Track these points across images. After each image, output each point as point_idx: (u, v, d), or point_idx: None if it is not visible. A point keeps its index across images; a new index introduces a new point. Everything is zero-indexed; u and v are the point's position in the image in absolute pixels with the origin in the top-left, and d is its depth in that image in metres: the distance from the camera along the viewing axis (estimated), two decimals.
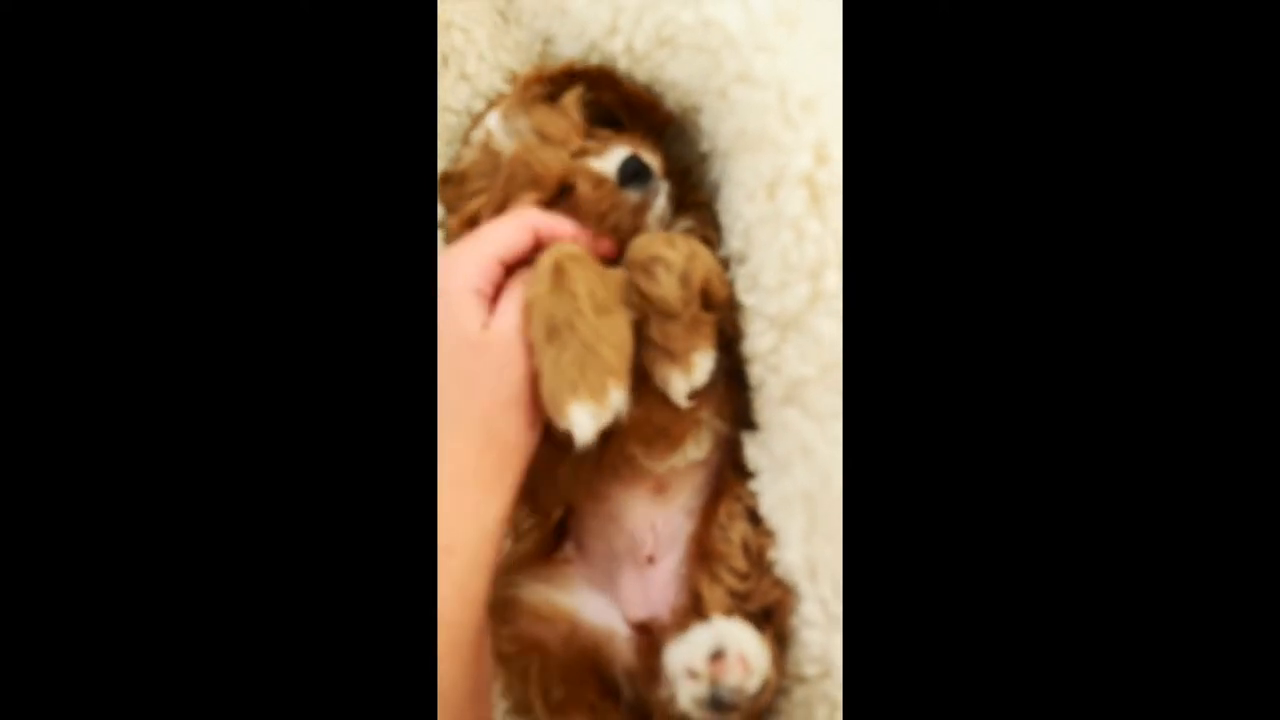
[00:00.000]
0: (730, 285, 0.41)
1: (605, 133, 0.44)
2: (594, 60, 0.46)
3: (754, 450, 0.43)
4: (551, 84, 0.44)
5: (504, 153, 0.43)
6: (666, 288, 0.38)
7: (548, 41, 0.48)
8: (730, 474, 0.44)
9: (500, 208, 0.42)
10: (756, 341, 0.41)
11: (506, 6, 0.48)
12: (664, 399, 0.40)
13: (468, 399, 0.37)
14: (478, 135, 0.45)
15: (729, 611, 0.41)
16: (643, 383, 0.41)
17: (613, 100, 0.45)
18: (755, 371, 0.42)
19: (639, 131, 0.45)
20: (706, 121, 0.44)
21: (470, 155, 0.45)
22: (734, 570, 0.41)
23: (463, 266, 0.39)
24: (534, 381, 0.38)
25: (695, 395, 0.40)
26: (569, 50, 0.47)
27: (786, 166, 0.38)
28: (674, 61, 0.43)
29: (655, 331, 0.39)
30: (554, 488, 0.45)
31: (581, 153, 0.42)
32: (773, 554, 0.41)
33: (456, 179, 0.45)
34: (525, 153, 0.42)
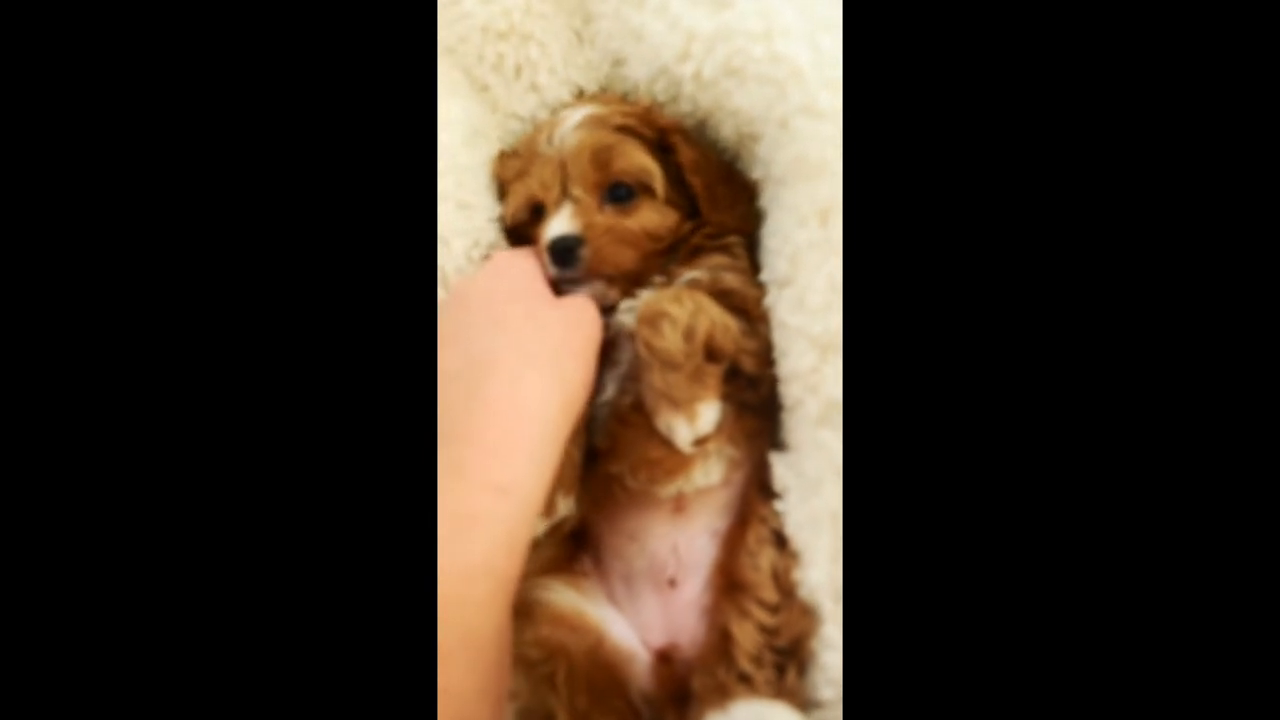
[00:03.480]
0: (736, 337, 0.42)
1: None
2: (660, 84, 0.48)
3: (783, 470, 0.43)
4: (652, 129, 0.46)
5: (545, 153, 0.45)
6: (670, 341, 0.39)
7: (618, 63, 0.50)
8: (755, 495, 0.44)
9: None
10: (797, 361, 0.41)
11: (583, 27, 0.51)
12: (660, 436, 0.42)
13: (540, 338, 0.38)
14: (549, 134, 0.46)
15: (759, 649, 0.40)
16: (639, 423, 0.42)
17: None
18: (792, 391, 0.42)
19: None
20: (764, 150, 0.46)
21: (526, 142, 0.48)
22: (763, 603, 0.40)
23: (530, 257, 0.42)
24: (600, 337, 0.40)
25: (701, 440, 0.41)
26: (639, 73, 0.49)
27: (842, 195, 0.40)
28: (740, 91, 0.45)
29: (658, 379, 0.40)
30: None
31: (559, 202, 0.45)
32: (797, 574, 0.41)
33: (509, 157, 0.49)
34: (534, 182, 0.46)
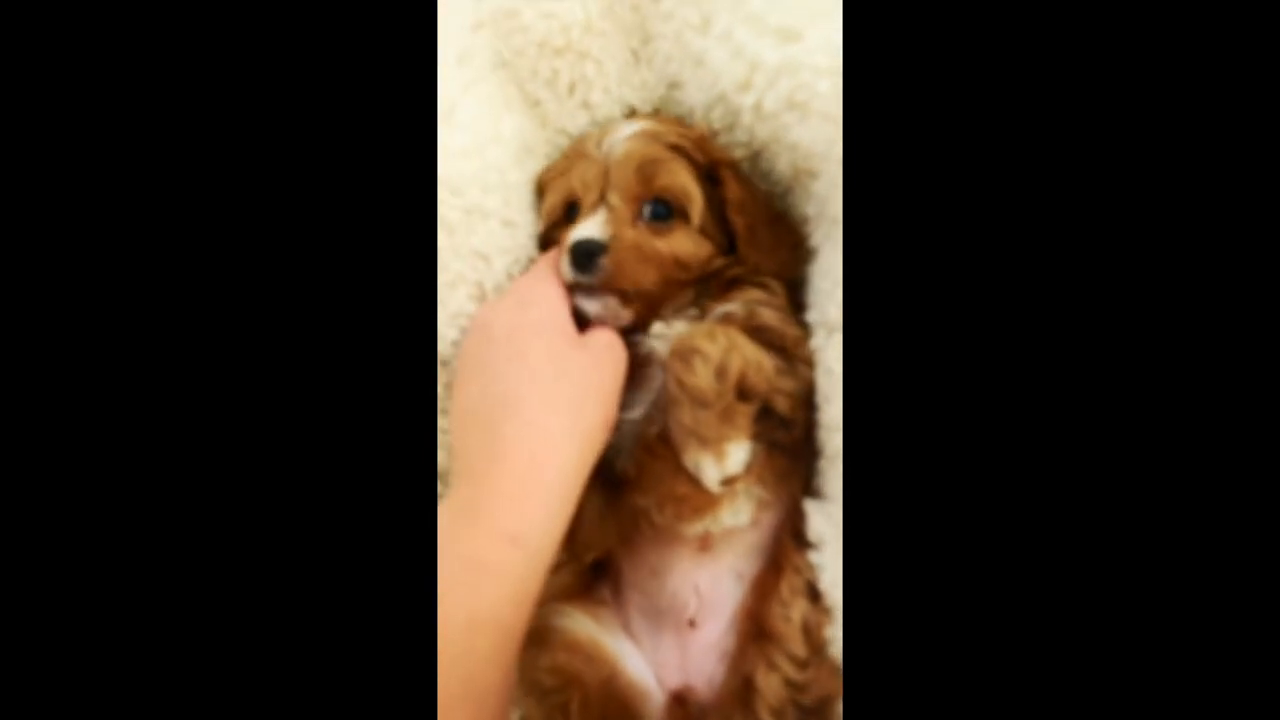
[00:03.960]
0: (769, 377, 0.41)
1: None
2: (717, 112, 0.47)
3: (819, 520, 0.42)
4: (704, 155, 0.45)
5: (592, 155, 0.44)
6: (701, 378, 0.38)
7: (674, 86, 0.49)
8: (789, 542, 0.43)
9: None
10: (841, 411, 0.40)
11: (641, 47, 0.49)
12: (687, 472, 0.40)
13: (563, 379, 0.37)
14: (599, 139, 0.45)
15: (783, 703, 0.39)
16: (664, 452, 0.41)
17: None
18: (834, 441, 0.41)
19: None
20: (821, 187, 0.44)
21: (574, 147, 0.48)
22: (793, 657, 0.39)
23: (554, 286, 0.41)
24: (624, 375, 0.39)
25: (730, 480, 0.40)
26: (695, 99, 0.48)
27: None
28: (801, 125, 0.43)
29: (687, 416, 0.39)
30: (587, 529, 0.44)
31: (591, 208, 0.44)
32: (829, 632, 0.40)
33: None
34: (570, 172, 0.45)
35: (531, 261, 0.47)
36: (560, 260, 0.43)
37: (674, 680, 0.43)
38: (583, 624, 0.44)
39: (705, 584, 0.43)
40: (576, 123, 0.50)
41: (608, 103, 0.49)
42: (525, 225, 0.47)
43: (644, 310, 0.43)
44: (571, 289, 0.42)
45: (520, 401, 0.37)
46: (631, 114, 0.50)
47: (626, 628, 0.45)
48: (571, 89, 0.49)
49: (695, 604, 0.43)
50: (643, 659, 0.44)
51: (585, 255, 0.41)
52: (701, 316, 0.44)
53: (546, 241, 0.47)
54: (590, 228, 0.42)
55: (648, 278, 0.43)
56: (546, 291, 0.42)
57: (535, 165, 0.49)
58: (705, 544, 0.44)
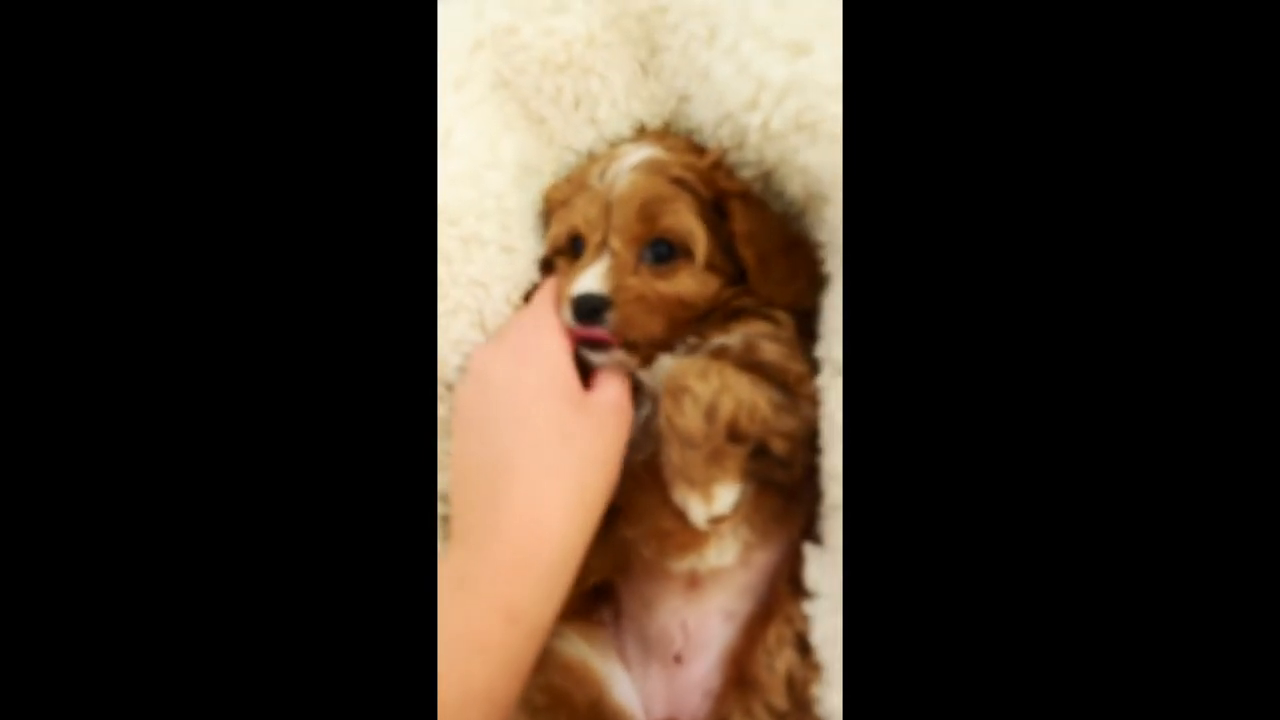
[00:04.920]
0: (765, 418, 0.39)
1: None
2: (726, 130, 0.44)
3: (816, 570, 0.40)
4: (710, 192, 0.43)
5: (595, 188, 0.43)
6: (690, 419, 0.37)
7: (683, 100, 0.47)
8: (784, 589, 0.41)
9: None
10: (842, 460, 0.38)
11: (649, 59, 0.47)
12: (674, 507, 0.39)
13: (566, 446, 0.37)
14: (604, 168, 0.44)
15: None
16: (650, 484, 0.40)
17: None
18: (834, 490, 0.39)
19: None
20: (833, 213, 0.41)
21: (580, 171, 0.46)
22: (771, 709, 0.39)
23: (556, 334, 0.39)
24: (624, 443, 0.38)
25: (717, 520, 0.38)
26: (703, 115, 0.45)
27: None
28: (811, 148, 0.40)
29: (676, 455, 0.38)
30: (585, 556, 0.44)
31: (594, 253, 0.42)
32: (816, 690, 0.38)
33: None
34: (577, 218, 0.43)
35: (533, 287, 0.46)
36: (562, 309, 0.41)
37: (659, 712, 0.43)
38: (577, 646, 0.45)
39: (693, 621, 0.43)
40: (584, 139, 0.48)
41: (615, 117, 0.47)
42: (526, 251, 0.46)
43: (650, 355, 0.42)
44: (575, 340, 0.41)
45: (521, 468, 0.36)
46: (641, 131, 0.48)
47: (621, 653, 0.46)
48: (577, 105, 0.47)
49: (682, 640, 0.43)
50: (631, 686, 0.44)
51: (590, 312, 0.40)
52: (699, 345, 0.42)
53: (550, 265, 0.46)
54: (591, 280, 0.41)
55: (655, 326, 0.41)
56: (548, 344, 0.40)
57: (540, 184, 0.48)
58: (694, 582, 0.43)
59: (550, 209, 0.47)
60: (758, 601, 0.42)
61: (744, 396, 0.38)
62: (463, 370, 0.42)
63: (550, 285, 0.44)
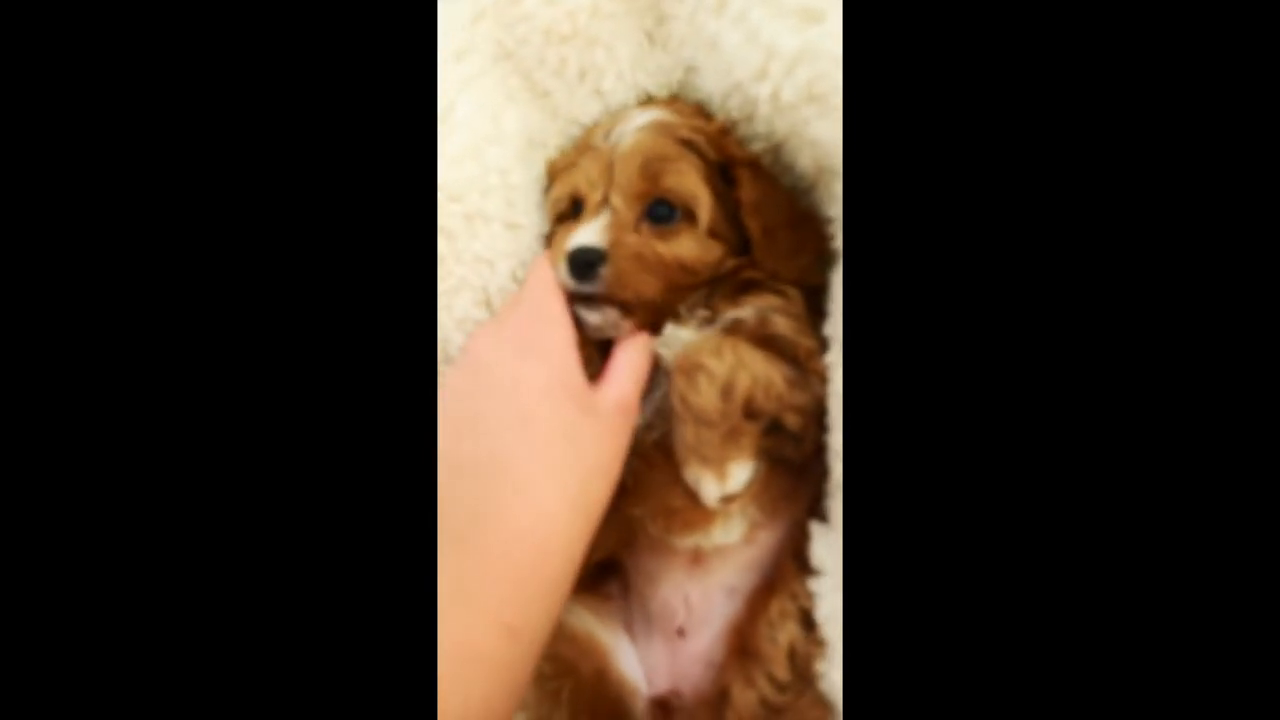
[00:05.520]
0: (780, 394, 0.38)
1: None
2: (735, 101, 0.43)
3: (822, 548, 0.40)
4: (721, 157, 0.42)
5: (599, 147, 0.42)
6: (705, 397, 0.36)
7: (690, 70, 0.45)
8: (789, 564, 0.42)
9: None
10: None
11: (656, 28, 0.45)
12: (684, 485, 0.39)
13: (570, 452, 0.35)
14: (608, 129, 0.43)
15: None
16: (661, 462, 0.40)
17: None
18: (839, 468, 0.39)
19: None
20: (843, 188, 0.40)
21: (585, 136, 0.45)
22: (772, 679, 0.39)
23: (563, 326, 0.38)
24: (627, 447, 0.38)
25: (729, 498, 0.38)
26: (711, 85, 0.44)
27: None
28: (821, 120, 0.39)
29: (690, 433, 0.37)
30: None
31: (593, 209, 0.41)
32: (820, 666, 0.38)
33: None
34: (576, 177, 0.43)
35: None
36: (559, 266, 0.41)
37: (662, 684, 0.44)
38: (583, 618, 0.45)
39: (695, 596, 0.43)
40: (589, 112, 0.47)
41: (621, 89, 0.46)
42: (531, 227, 0.45)
43: (647, 319, 0.41)
44: (570, 297, 0.41)
45: (522, 472, 0.34)
46: (648, 101, 0.47)
47: (628, 626, 0.46)
48: (582, 76, 0.46)
49: (684, 614, 0.43)
50: (635, 658, 0.45)
51: (584, 265, 0.39)
52: (712, 319, 0.42)
53: (552, 239, 0.46)
54: (589, 234, 0.40)
55: (650, 287, 0.40)
56: (554, 336, 0.38)
57: (545, 158, 0.47)
58: (697, 558, 0.43)
59: (553, 176, 0.46)
60: (762, 577, 0.42)
61: (760, 373, 0.38)
62: (462, 356, 0.40)
63: (549, 277, 0.42)
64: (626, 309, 0.41)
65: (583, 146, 0.44)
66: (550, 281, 0.41)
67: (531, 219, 0.45)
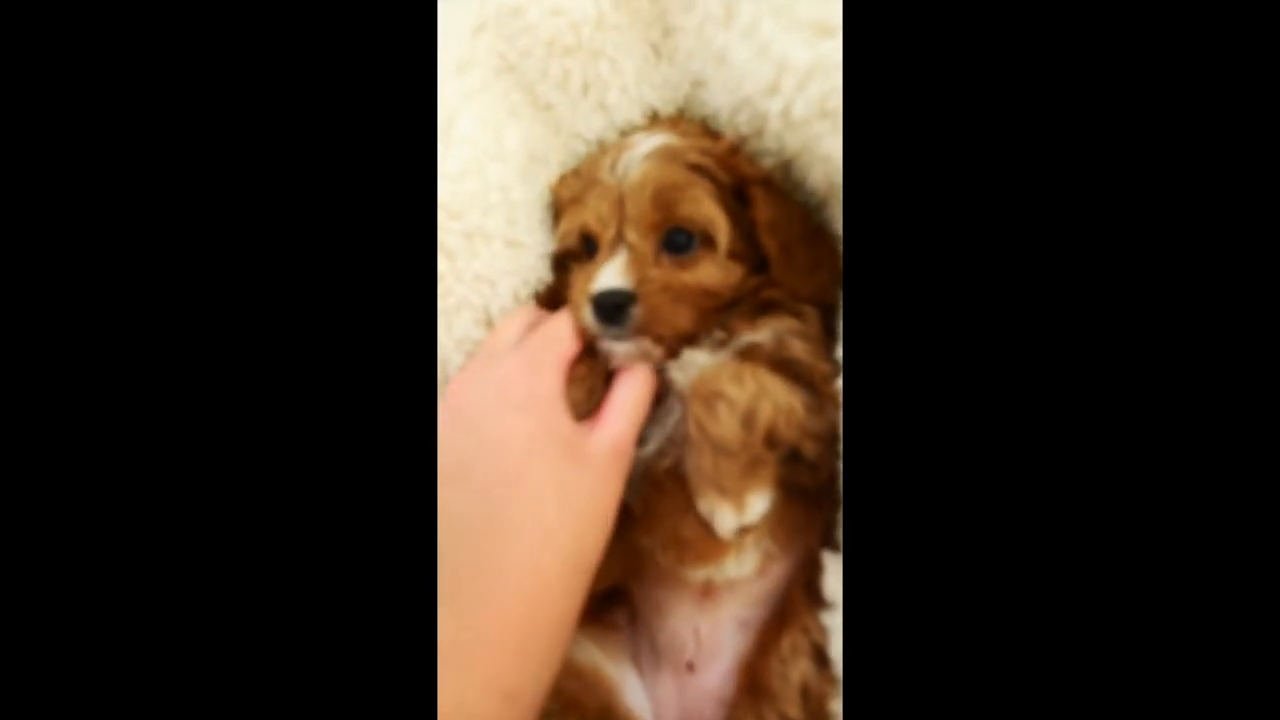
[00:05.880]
0: (801, 422, 0.37)
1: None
2: (744, 116, 0.42)
3: (835, 578, 0.39)
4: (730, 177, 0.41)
5: (606, 181, 0.40)
6: (726, 426, 0.35)
7: (698, 84, 0.44)
8: (801, 597, 0.40)
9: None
10: None
11: (662, 40, 0.44)
12: (697, 515, 0.38)
13: (565, 507, 0.34)
14: (614, 159, 0.41)
15: None
16: (673, 490, 0.38)
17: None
18: None
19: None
20: None
21: (590, 163, 0.43)
22: (785, 718, 0.37)
23: (548, 373, 0.36)
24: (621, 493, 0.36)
25: (745, 530, 0.37)
26: (719, 100, 0.43)
27: None
28: (834, 135, 0.38)
29: (708, 463, 0.36)
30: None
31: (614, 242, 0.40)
32: (834, 705, 0.37)
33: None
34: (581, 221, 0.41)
35: (540, 283, 0.44)
36: (583, 311, 0.39)
37: (670, 719, 0.42)
38: (588, 651, 0.44)
39: (705, 629, 0.42)
40: (593, 126, 0.46)
41: (626, 103, 0.45)
42: (533, 245, 0.44)
43: (677, 345, 0.40)
44: (595, 340, 0.40)
45: (515, 531, 0.33)
46: (654, 117, 0.46)
47: (635, 659, 0.45)
48: (586, 90, 0.44)
49: (693, 648, 0.42)
50: (643, 692, 0.44)
51: (612, 308, 0.38)
52: (727, 340, 0.40)
53: (560, 264, 0.45)
54: (612, 276, 0.39)
55: (684, 319, 0.39)
56: (540, 385, 0.36)
57: (548, 174, 0.46)
58: (708, 591, 0.41)
59: (559, 206, 0.45)
60: (773, 609, 0.41)
61: (781, 400, 0.36)
62: (446, 404, 0.38)
63: (530, 316, 0.41)
64: (659, 339, 0.39)
65: (588, 179, 0.42)
66: (544, 329, 0.40)
67: (534, 237, 0.44)
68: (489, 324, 0.44)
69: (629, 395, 0.38)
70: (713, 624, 0.41)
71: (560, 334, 0.39)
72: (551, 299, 0.44)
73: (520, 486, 0.34)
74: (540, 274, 0.45)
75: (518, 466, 0.34)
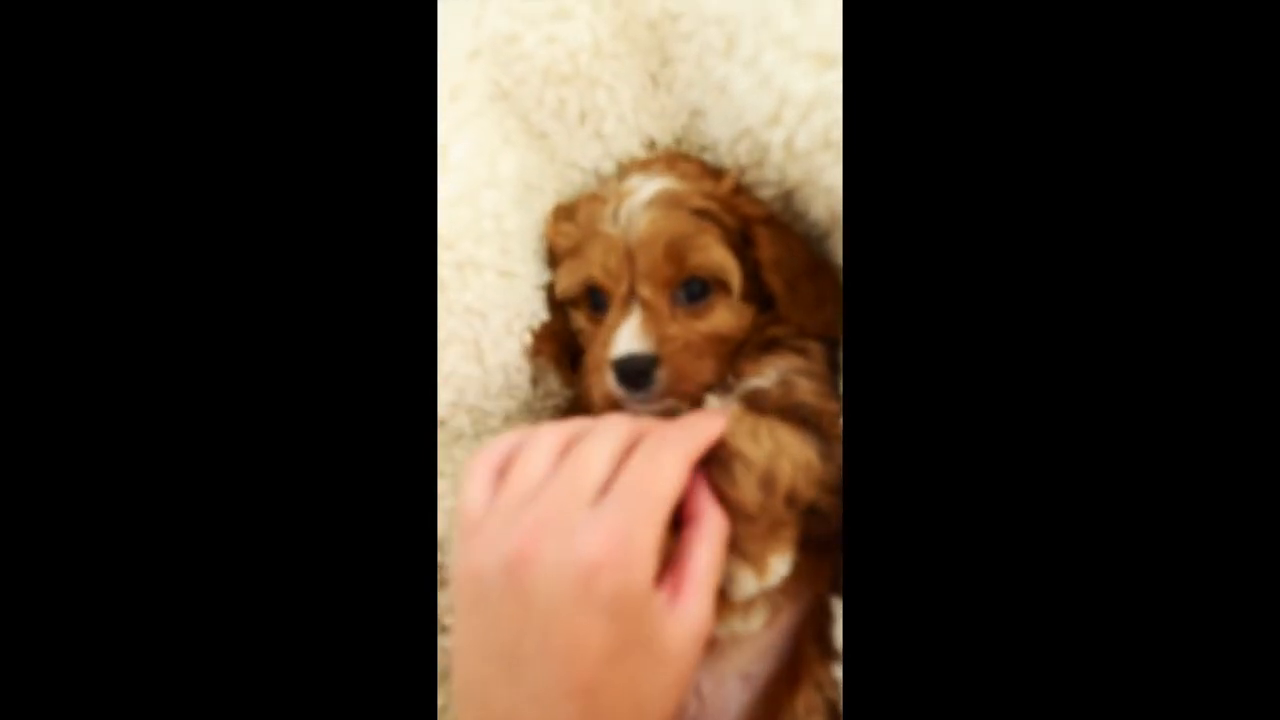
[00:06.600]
0: (820, 478, 0.35)
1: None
2: (744, 146, 0.41)
3: None
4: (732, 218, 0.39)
5: (609, 233, 0.39)
6: (744, 490, 0.33)
7: (697, 114, 0.43)
8: (812, 650, 0.38)
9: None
10: None
11: (659, 70, 0.44)
12: None
13: (624, 702, 0.29)
14: (614, 208, 0.39)
15: None
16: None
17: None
18: None
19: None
20: None
21: (586, 210, 0.41)
22: None
23: (640, 540, 0.29)
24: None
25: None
26: (719, 130, 0.42)
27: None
28: (836, 167, 0.37)
29: None
30: None
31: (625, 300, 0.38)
32: None
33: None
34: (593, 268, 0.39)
35: (534, 317, 0.43)
36: (605, 376, 0.38)
37: None
38: None
39: (708, 687, 0.39)
40: (589, 156, 0.45)
41: (623, 132, 0.44)
42: (527, 276, 0.42)
43: (700, 397, 0.39)
44: (620, 400, 0.38)
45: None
46: (651, 147, 0.45)
47: None
48: (582, 119, 0.43)
49: (696, 707, 0.39)
50: None
51: (636, 375, 0.37)
52: (734, 384, 0.39)
53: (556, 302, 0.43)
54: (631, 339, 0.37)
55: (707, 372, 0.38)
56: (636, 580, 0.29)
57: (543, 203, 0.44)
58: (710, 645, 0.39)
59: (556, 254, 0.43)
60: (779, 661, 0.39)
61: (799, 457, 0.35)
62: (502, 568, 0.30)
63: (557, 436, 0.34)
64: (682, 396, 0.38)
65: (587, 228, 0.40)
66: (630, 479, 0.32)
67: (527, 268, 0.42)
68: (479, 359, 0.42)
69: (709, 558, 0.32)
70: (716, 681, 0.39)
71: (650, 487, 0.31)
72: (549, 339, 0.43)
73: (589, 699, 0.28)
74: (534, 308, 0.43)
75: (592, 680, 0.28)
